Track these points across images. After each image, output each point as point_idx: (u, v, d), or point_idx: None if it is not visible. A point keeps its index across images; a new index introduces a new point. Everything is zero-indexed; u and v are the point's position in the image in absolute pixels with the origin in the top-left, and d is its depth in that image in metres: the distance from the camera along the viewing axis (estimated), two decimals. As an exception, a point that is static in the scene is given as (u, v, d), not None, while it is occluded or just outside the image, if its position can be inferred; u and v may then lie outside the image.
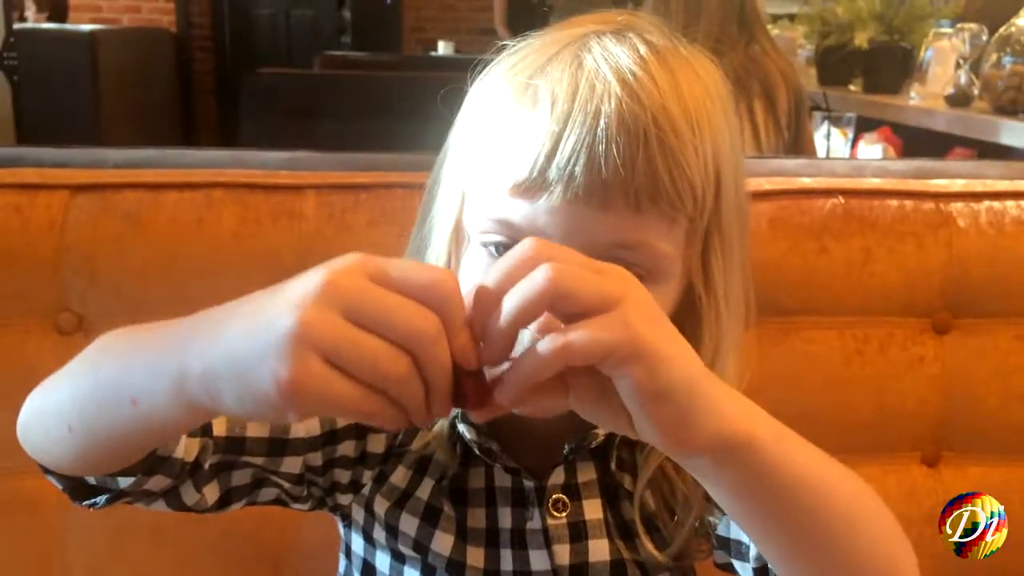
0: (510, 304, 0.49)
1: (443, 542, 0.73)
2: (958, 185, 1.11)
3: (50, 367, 1.05)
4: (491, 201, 0.66)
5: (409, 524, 0.74)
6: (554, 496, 0.74)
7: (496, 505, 0.74)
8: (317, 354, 0.46)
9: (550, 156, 0.62)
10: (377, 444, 0.75)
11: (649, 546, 0.74)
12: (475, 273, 0.67)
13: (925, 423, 1.11)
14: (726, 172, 0.67)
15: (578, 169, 0.61)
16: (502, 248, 0.65)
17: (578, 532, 0.74)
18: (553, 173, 0.62)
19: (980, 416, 1.11)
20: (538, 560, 0.73)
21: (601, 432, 0.72)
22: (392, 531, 0.75)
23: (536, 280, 0.49)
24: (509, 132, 0.65)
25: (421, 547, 0.74)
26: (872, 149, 2.43)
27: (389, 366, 0.47)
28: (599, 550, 0.73)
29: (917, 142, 2.61)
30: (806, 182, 1.11)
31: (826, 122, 2.41)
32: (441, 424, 0.73)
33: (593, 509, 0.74)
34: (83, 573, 1.03)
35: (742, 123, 1.80)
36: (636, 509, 0.74)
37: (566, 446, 0.73)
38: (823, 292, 1.08)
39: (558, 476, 0.74)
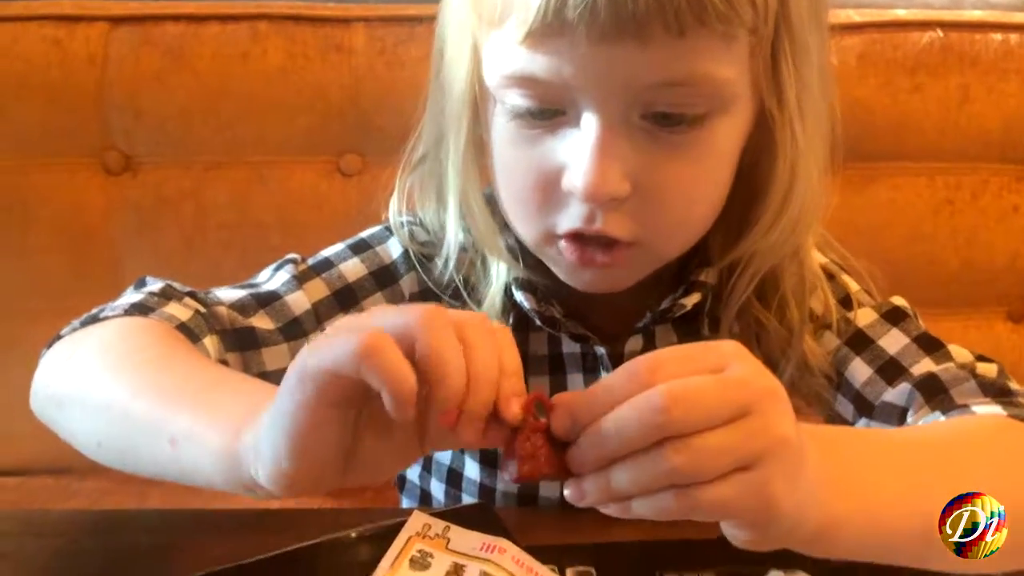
0: (614, 434, 0.40)
1: None
2: (1069, 18, 1.01)
3: (99, 207, 1.02)
4: (505, 55, 0.55)
5: None
6: None
7: (564, 372, 0.68)
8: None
9: None
10: None
11: None
12: (508, 145, 0.58)
13: (1015, 277, 1.04)
14: None
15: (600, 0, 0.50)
16: (534, 114, 0.56)
17: None
18: (571, 11, 0.51)
19: (1074, 270, 1.04)
20: None
21: (689, 302, 0.64)
22: None
23: (646, 414, 0.39)
24: None
25: None
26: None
27: (450, 352, 0.40)
28: None
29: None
30: (901, 14, 1.01)
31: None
32: (493, 293, 0.66)
33: None
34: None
35: None
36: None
37: (648, 315, 0.65)
38: (914, 135, 1.00)
39: (636, 343, 0.67)
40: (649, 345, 0.67)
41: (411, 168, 0.68)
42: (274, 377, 0.63)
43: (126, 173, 1.00)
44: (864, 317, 0.67)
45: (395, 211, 0.70)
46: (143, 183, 1.00)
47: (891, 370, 0.64)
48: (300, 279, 0.67)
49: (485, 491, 0.72)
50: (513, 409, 0.41)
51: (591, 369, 0.67)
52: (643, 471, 0.39)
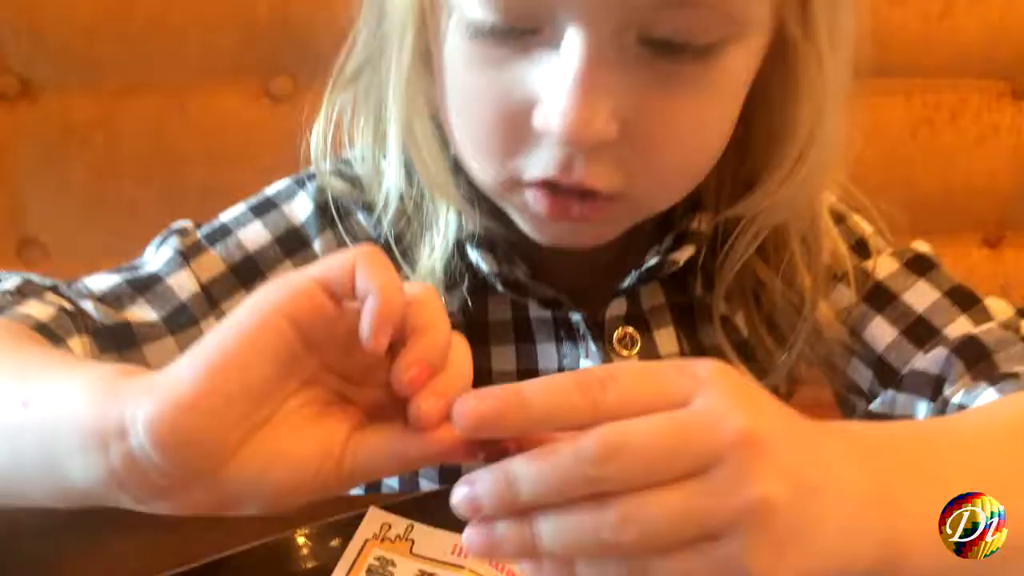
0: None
1: None
2: (1058, -80, 0.94)
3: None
4: None
5: None
6: (619, 330, 0.57)
7: (533, 341, 0.58)
8: None
9: None
10: None
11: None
12: (465, 69, 0.48)
13: (992, 200, 1.00)
14: None
15: None
16: (500, 32, 0.45)
17: None
18: None
19: (1053, 192, 1.00)
20: None
21: (682, 257, 0.55)
22: None
23: (574, 464, 0.31)
24: None
25: None
26: None
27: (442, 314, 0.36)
28: None
29: None
30: (881, -83, 0.93)
31: None
32: (436, 253, 0.55)
33: (667, 340, 0.58)
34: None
35: None
36: (716, 329, 0.58)
37: (632, 273, 0.55)
38: (893, 50, 0.93)
39: (619, 307, 0.57)
40: (634, 309, 0.57)
41: (342, 87, 0.56)
42: None
43: (25, 100, 0.88)
44: (884, 267, 0.58)
45: (319, 144, 0.57)
46: (46, 111, 0.89)
47: (921, 331, 0.55)
48: (187, 254, 0.56)
49: (448, 475, 0.61)
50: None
51: (567, 337, 0.58)
52: (572, 529, 0.31)
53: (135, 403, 0.32)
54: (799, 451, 0.33)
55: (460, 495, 0.32)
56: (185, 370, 0.32)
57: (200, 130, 0.91)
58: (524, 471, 0.31)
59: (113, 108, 0.89)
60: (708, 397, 0.32)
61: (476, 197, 0.54)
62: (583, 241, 0.52)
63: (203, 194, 0.91)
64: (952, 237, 1.01)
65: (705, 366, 0.33)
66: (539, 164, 0.47)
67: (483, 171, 0.50)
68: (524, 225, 0.53)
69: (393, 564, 0.41)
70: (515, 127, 0.46)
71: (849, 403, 0.60)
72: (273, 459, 0.33)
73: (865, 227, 0.60)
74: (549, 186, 0.48)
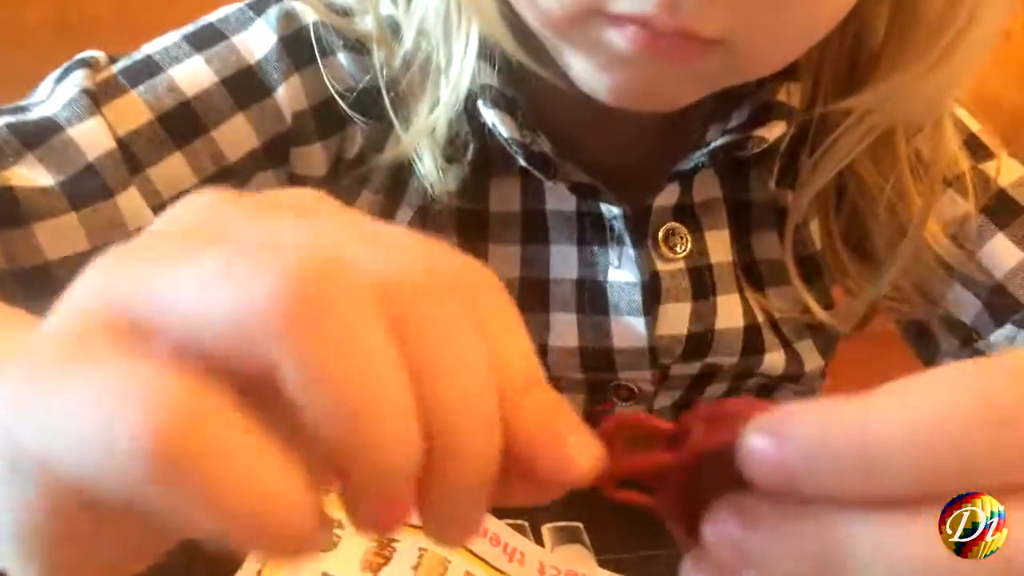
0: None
1: None
2: None
3: None
4: None
5: None
6: (666, 226, 0.45)
7: (546, 241, 0.46)
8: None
9: None
10: (314, 164, 0.45)
11: (809, 301, 0.46)
12: None
13: (1002, 116, 0.91)
14: None
15: None
16: None
17: (702, 284, 0.45)
18: None
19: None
20: (627, 331, 0.45)
21: (772, 135, 0.43)
22: None
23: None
24: None
25: None
26: None
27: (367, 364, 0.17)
28: (730, 312, 0.46)
29: None
30: None
31: None
32: (440, 108, 0.43)
33: (720, 245, 0.46)
34: None
35: None
36: (787, 239, 0.46)
37: (701, 151, 0.43)
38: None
39: (670, 194, 0.45)
40: (686, 196, 0.45)
41: None
42: (58, 270, 0.39)
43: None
44: (1009, 172, 0.47)
45: None
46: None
47: None
48: (98, 95, 0.41)
49: None
50: (580, 462, 0.19)
51: (595, 239, 0.46)
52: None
53: None
54: None
55: None
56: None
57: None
58: None
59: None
60: None
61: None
62: (655, 100, 0.40)
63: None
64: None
65: None
66: None
67: None
68: (585, 71, 0.39)
69: (341, 526, 0.31)
70: None
71: (930, 341, 0.49)
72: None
73: (971, 123, 0.49)
74: (640, 23, 0.35)
